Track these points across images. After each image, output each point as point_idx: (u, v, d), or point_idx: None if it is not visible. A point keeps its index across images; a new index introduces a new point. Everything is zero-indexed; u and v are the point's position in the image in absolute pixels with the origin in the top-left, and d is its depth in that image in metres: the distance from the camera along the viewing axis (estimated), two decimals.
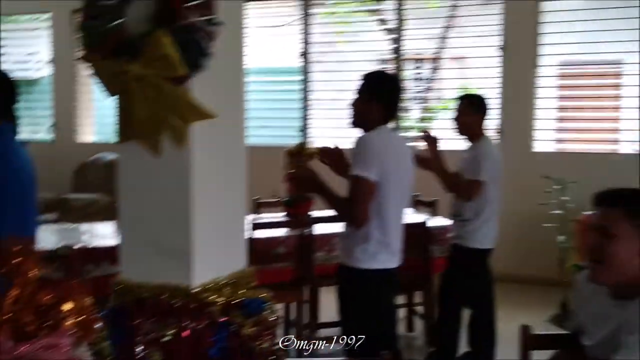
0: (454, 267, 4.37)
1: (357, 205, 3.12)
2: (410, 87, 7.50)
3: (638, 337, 2.00)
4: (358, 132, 3.24)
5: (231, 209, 2.20)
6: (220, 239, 2.12)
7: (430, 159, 4.17)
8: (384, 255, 3.20)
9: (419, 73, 7.64)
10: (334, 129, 6.98)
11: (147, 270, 2.03)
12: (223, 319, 2.02)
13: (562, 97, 7.14)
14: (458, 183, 4.19)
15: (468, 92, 4.85)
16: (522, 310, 4.12)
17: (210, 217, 2.06)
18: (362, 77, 3.30)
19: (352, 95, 3.30)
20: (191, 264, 2.00)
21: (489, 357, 4.34)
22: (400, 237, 3.31)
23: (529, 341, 2.43)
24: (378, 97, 3.21)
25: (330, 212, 3.37)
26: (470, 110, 4.24)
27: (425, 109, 7.50)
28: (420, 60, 7.63)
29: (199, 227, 2.00)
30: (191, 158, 1.96)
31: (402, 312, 4.77)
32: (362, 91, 3.26)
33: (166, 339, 1.95)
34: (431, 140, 4.21)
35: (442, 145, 4.24)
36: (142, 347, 1.94)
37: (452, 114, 4.39)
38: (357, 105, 3.27)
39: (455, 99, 4.50)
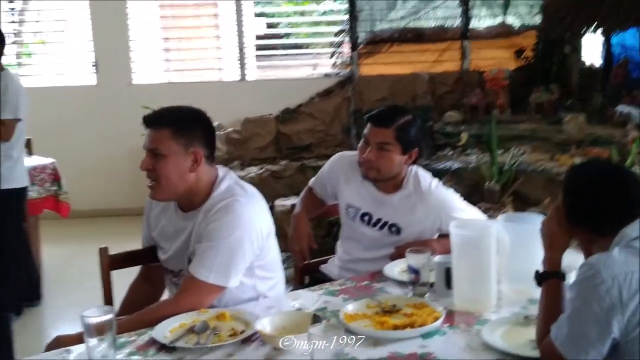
0: None
1: None
2: (4, 22, 6.81)
3: (206, 244, 2.08)
4: None
5: None
6: None
7: None
8: None
9: (12, 7, 6.96)
10: None
11: None
12: None
13: (164, 28, 7.09)
14: None
15: None
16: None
17: None
18: None
19: None
20: None
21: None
22: None
23: (108, 261, 2.40)
24: None
25: None
26: None
27: (20, 45, 6.97)
28: None
29: None
30: None
31: None
32: None
33: None
34: None
35: None
36: None
37: None
38: None
39: None
